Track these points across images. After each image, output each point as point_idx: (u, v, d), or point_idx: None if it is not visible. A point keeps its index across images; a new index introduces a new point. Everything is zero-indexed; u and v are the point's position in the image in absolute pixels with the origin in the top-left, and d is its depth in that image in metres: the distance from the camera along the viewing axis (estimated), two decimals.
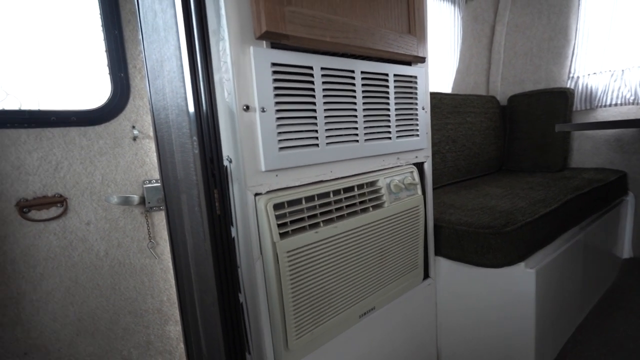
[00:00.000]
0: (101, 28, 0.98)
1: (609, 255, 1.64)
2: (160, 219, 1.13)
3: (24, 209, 0.90)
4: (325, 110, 0.78)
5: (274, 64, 0.69)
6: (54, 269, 0.95)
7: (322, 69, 0.77)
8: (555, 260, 1.13)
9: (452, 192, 1.57)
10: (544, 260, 1.08)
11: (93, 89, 1.01)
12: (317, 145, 0.78)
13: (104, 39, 0.98)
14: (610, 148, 1.84)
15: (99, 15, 0.97)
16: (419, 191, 1.03)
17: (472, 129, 1.85)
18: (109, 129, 1.01)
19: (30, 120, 0.88)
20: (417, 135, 1.03)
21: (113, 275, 1.06)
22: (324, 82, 0.77)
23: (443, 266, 1.15)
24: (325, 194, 0.80)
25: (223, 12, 0.63)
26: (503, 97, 2.17)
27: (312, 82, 0.75)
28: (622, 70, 1.71)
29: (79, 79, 1.00)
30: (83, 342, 1.00)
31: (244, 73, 0.66)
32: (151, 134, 1.08)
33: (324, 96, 0.78)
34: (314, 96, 0.76)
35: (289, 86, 0.72)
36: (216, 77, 0.69)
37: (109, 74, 1.00)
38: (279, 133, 0.71)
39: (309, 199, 0.77)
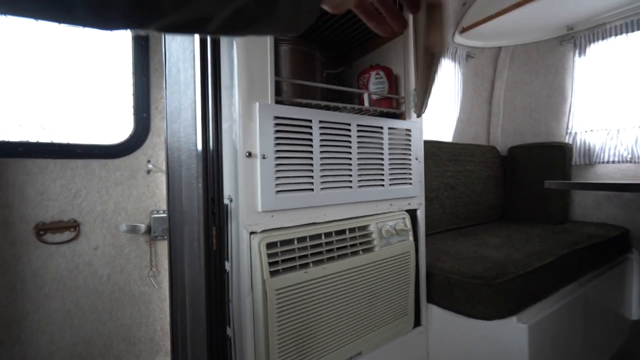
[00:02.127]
0: (132, 75, 1.11)
1: (615, 316, 1.59)
2: (163, 248, 1.18)
3: (41, 232, 0.97)
4: (321, 158, 0.86)
5: (276, 117, 0.78)
6: (58, 291, 1.00)
7: (320, 122, 0.85)
8: (550, 316, 1.12)
9: (449, 238, 1.59)
10: (537, 316, 1.07)
11: (115, 125, 1.13)
12: (312, 189, 0.84)
13: (133, 84, 1.11)
14: (611, 203, 1.84)
15: (131, 64, 1.11)
16: (411, 237, 1.07)
17: (471, 177, 1.90)
18: (127, 162, 1.11)
19: (59, 152, 0.98)
20: (410, 183, 1.09)
21: (112, 300, 1.10)
22: (321, 134, 0.86)
23: (435, 314, 1.15)
24: (317, 236, 0.85)
25: (235, 72, 0.74)
26: (503, 148, 2.23)
27: (310, 133, 0.84)
28: (618, 130, 1.77)
29: (106, 116, 1.12)
30: None
31: (249, 124, 0.75)
32: (164, 168, 1.17)
33: (321, 145, 0.86)
34: (311, 145, 0.84)
35: (289, 136, 0.80)
36: (226, 125, 0.78)
37: (133, 114, 1.12)
38: (277, 178, 0.78)
39: (301, 239, 0.82)
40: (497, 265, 1.12)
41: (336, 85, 1.27)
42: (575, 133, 1.94)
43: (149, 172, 1.15)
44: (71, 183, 1.01)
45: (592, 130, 1.88)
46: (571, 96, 1.98)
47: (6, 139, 0.93)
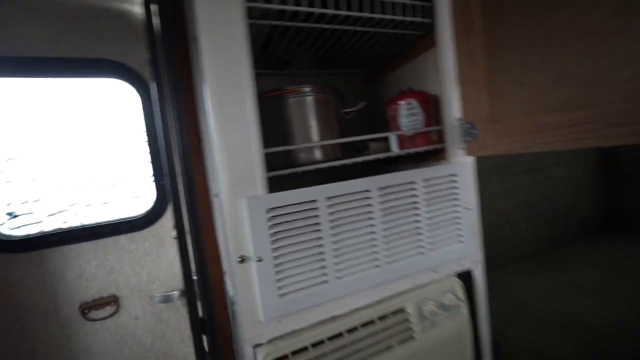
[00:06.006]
0: (146, 141, 1.09)
1: None
2: None
3: (85, 311, 1.03)
4: (333, 242, 0.70)
5: (270, 209, 0.65)
6: None
7: (328, 198, 0.70)
8: None
9: (527, 271, 1.29)
10: None
11: (138, 196, 1.14)
12: (326, 282, 0.70)
13: (149, 152, 1.09)
14: None
15: (145, 132, 1.08)
16: (464, 311, 0.85)
17: (555, 185, 1.51)
18: (153, 232, 1.10)
19: (89, 234, 1.02)
20: (462, 240, 0.86)
21: None
22: (330, 213, 0.70)
23: None
24: (338, 335, 0.71)
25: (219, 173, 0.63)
26: None
27: (317, 216, 0.69)
28: None
29: (126, 189, 1.14)
30: None
31: (237, 225, 0.63)
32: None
33: (332, 227, 0.70)
34: (319, 230, 0.69)
35: (290, 226, 0.67)
36: (221, 232, 0.69)
37: (154, 182, 1.10)
38: (278, 280, 0.66)
39: (317, 344, 0.69)
40: (590, 333, 0.84)
41: (356, 124, 1.03)
42: None
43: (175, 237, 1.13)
44: (105, 261, 1.05)
45: None
46: None
47: (42, 231, 0.99)
